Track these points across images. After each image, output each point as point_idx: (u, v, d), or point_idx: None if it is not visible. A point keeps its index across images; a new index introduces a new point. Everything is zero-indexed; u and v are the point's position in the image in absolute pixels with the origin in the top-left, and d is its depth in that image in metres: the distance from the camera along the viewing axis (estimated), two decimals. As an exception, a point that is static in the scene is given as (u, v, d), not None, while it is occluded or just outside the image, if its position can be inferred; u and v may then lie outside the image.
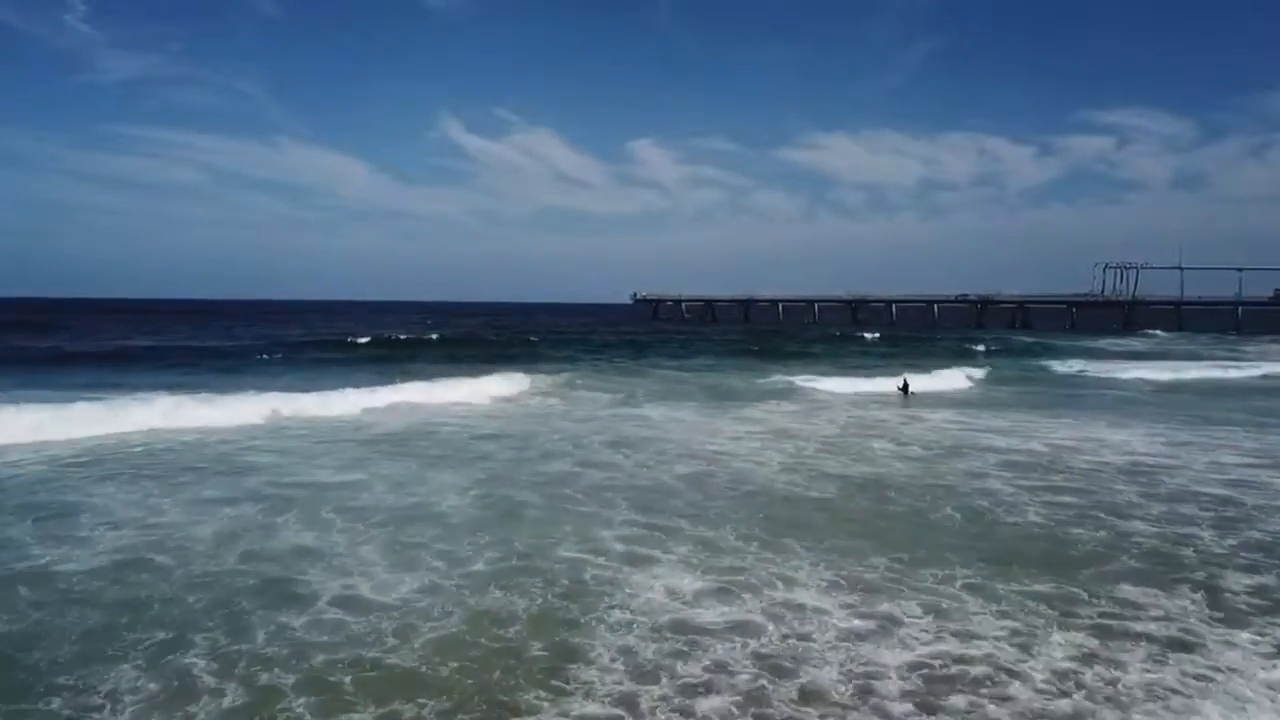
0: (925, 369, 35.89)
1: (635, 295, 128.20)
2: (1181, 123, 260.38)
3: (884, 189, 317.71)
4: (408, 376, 30.20)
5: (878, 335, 71.86)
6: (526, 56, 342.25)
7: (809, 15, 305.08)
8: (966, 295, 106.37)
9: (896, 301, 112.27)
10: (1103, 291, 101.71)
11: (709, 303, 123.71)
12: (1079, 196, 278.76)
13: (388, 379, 28.83)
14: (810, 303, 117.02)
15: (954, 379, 34.78)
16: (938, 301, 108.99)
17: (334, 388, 25.29)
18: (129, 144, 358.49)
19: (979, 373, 37.95)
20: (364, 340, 53.67)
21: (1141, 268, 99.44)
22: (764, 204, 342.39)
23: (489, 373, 30.35)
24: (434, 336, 60.19)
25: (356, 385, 26.23)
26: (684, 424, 22.12)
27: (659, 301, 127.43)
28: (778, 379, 33.62)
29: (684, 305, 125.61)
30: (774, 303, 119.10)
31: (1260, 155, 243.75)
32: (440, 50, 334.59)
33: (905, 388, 30.57)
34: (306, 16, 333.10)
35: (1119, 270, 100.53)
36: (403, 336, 58.02)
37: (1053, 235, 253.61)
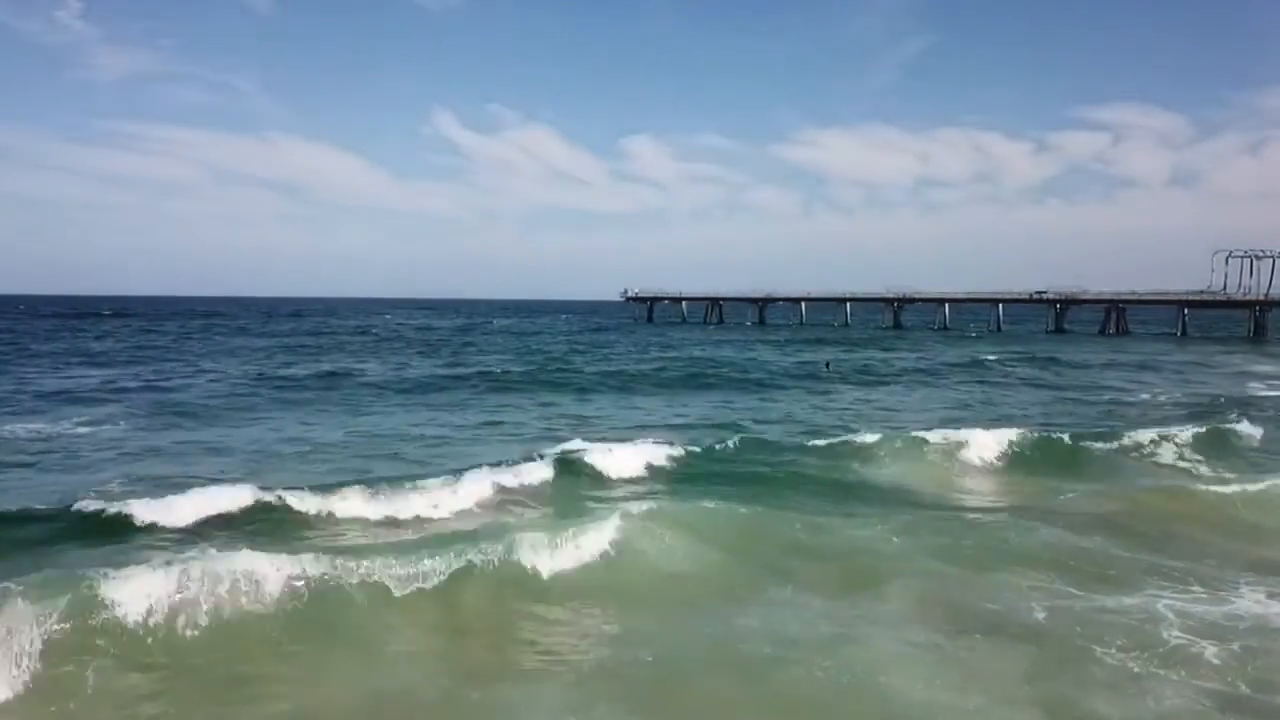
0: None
1: (626, 293, 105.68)
2: (1177, 119, 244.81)
3: (880, 185, 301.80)
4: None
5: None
6: (521, 52, 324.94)
7: (803, 10, 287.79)
8: (1043, 292, 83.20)
9: (949, 300, 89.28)
10: (1224, 287, 78.13)
11: (714, 301, 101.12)
12: (1075, 193, 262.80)
13: None
14: (841, 301, 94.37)
15: None
16: (1003, 300, 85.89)
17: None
18: (123, 140, 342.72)
19: None
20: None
21: (1279, 256, 75.83)
22: (761, 201, 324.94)
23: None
24: None
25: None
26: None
27: (654, 300, 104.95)
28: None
29: (684, 305, 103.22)
30: (795, 301, 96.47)
31: (1256, 152, 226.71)
32: (434, 46, 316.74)
33: None
34: (300, 13, 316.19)
35: (1246, 259, 76.91)
36: None
37: (1051, 231, 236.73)
